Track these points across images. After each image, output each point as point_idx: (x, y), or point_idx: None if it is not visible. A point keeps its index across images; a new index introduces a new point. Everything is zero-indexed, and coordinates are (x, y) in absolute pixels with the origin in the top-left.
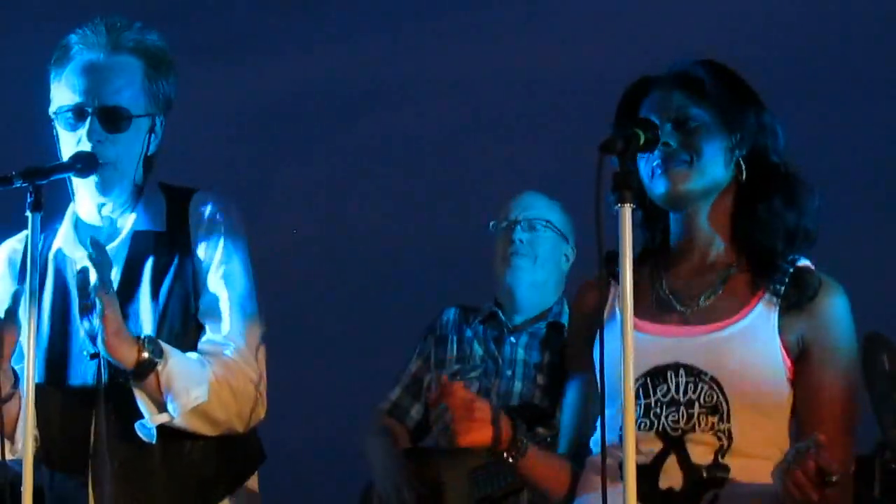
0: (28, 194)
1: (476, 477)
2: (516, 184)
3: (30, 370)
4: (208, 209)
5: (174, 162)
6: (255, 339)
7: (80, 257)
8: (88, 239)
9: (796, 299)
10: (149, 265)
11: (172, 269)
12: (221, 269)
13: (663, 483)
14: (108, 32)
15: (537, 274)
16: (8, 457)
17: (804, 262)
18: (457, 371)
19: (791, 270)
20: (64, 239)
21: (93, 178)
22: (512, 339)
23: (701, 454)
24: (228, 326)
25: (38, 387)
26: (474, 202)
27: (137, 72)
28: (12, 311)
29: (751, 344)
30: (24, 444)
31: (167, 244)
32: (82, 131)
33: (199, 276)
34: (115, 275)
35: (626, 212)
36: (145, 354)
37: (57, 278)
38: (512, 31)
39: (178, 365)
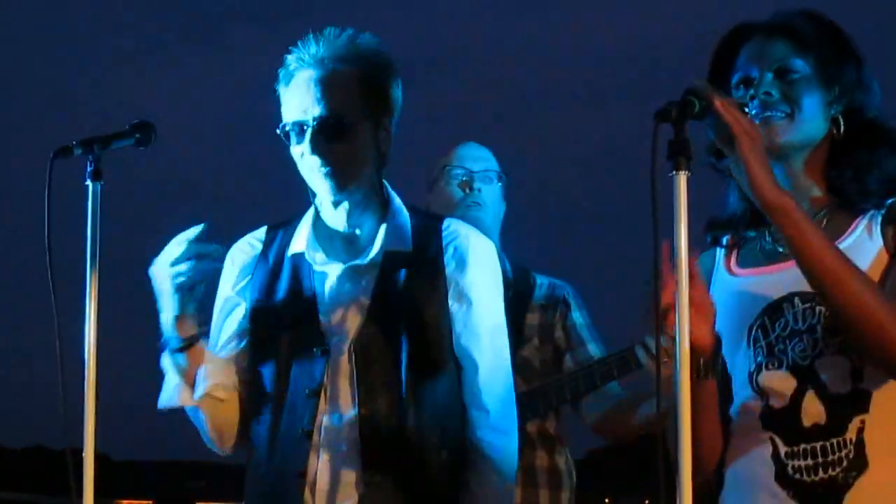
0: (87, 164)
1: None
2: (577, 150)
3: (91, 336)
4: (462, 238)
5: (240, 125)
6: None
7: (319, 260)
8: (329, 242)
9: None
10: (401, 285)
11: (426, 292)
12: (483, 304)
13: (806, 421)
14: (318, 45)
15: (487, 223)
16: (186, 403)
17: None
18: None
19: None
20: (305, 241)
21: (327, 182)
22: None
23: (837, 381)
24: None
25: (271, 383)
26: (537, 167)
27: (352, 79)
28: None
29: (859, 259)
30: (87, 411)
31: (418, 265)
32: (304, 145)
33: (458, 307)
34: (368, 292)
35: (682, 179)
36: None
37: (292, 279)
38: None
39: None
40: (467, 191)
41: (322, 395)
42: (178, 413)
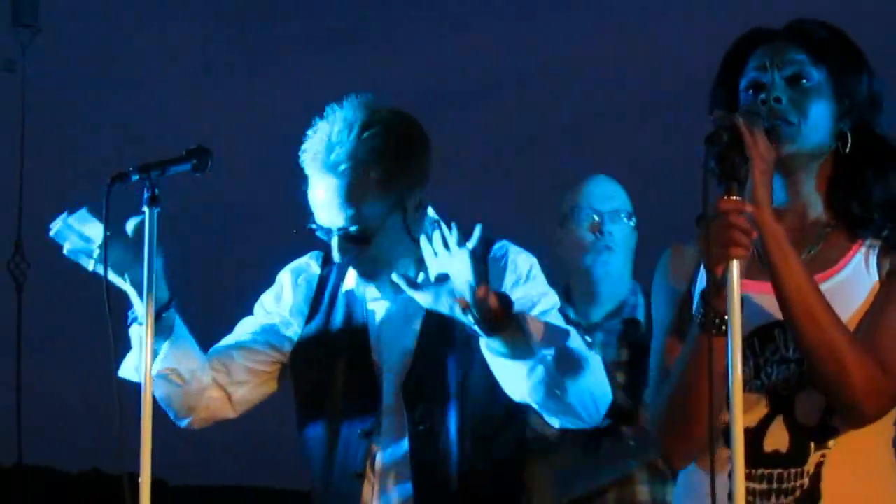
0: (145, 189)
1: (562, 477)
2: (629, 172)
3: (147, 367)
4: (511, 261)
5: (283, 153)
6: None
7: (370, 296)
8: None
9: None
10: (448, 320)
11: None
12: (540, 312)
13: (768, 446)
14: (335, 145)
15: (619, 265)
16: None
17: None
18: None
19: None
20: (355, 277)
21: (355, 271)
22: (587, 338)
23: (807, 414)
24: None
25: (321, 418)
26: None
27: (374, 183)
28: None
29: (853, 293)
30: (143, 435)
31: None
32: (333, 247)
33: None
34: (416, 329)
35: None
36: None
37: (346, 316)
38: (624, 21)
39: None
40: (598, 234)
41: (375, 434)
42: (235, 437)
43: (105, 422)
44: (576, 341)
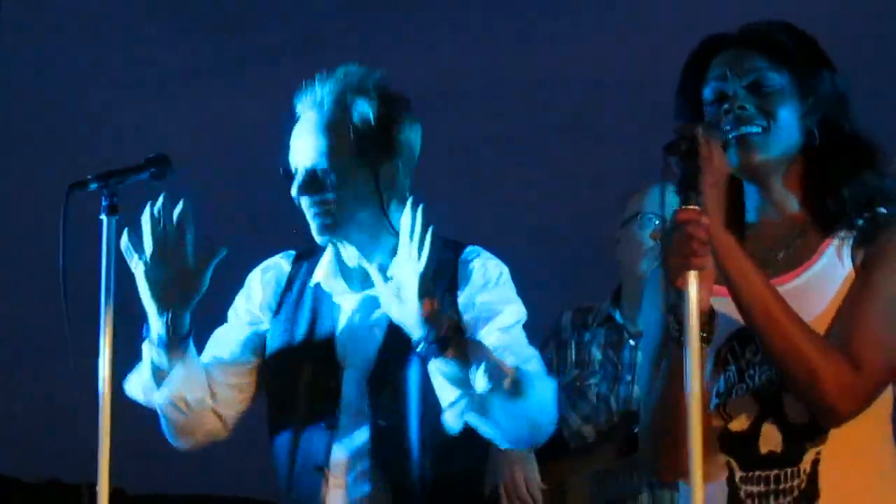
0: (102, 198)
1: (598, 480)
2: (600, 182)
3: (106, 370)
4: (481, 264)
5: (269, 163)
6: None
7: (338, 290)
8: (349, 273)
9: (871, 234)
10: None
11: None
12: (502, 326)
13: (763, 448)
14: (322, 87)
15: None
16: (152, 401)
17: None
18: (576, 376)
19: (870, 214)
20: (325, 272)
21: (314, 222)
22: (631, 342)
23: (798, 412)
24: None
25: (287, 413)
26: (558, 200)
27: (349, 127)
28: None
29: (827, 285)
30: (101, 444)
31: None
32: (294, 189)
33: (475, 329)
34: (382, 325)
35: None
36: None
37: (313, 311)
38: (592, 33)
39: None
40: (658, 241)
41: (337, 429)
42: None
43: (64, 432)
44: (532, 364)
